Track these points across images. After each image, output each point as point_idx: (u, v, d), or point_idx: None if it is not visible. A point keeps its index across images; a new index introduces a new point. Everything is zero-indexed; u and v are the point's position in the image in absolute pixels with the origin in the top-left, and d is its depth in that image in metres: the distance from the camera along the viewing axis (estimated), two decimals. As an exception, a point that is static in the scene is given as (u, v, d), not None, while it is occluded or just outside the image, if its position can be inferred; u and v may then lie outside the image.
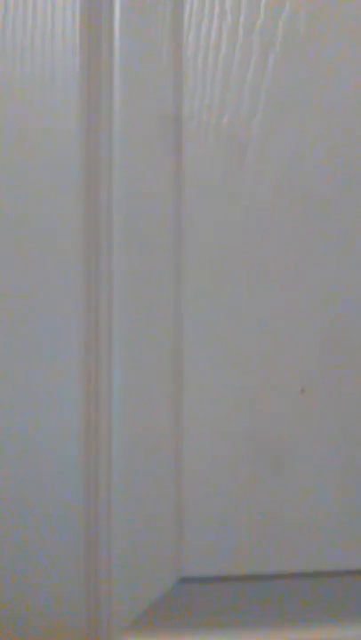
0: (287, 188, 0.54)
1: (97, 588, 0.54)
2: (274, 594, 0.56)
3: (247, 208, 0.54)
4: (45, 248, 0.52)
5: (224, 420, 0.54)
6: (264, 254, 0.54)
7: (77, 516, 0.53)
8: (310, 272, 0.55)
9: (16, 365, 0.52)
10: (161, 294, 0.53)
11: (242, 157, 0.54)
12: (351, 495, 0.55)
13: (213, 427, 0.54)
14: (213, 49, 0.53)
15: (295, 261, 0.55)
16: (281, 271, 0.54)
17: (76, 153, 0.52)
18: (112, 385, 0.53)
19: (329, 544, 0.55)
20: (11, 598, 0.53)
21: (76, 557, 0.53)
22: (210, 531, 0.54)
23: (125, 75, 0.52)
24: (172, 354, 0.54)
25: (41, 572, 0.53)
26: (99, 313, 0.53)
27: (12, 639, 0.53)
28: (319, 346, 0.55)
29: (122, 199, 0.53)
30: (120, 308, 0.53)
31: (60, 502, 0.53)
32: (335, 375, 0.55)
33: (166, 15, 0.52)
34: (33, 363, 0.52)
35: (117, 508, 0.54)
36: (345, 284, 0.55)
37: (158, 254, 0.53)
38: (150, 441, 0.54)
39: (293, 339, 0.55)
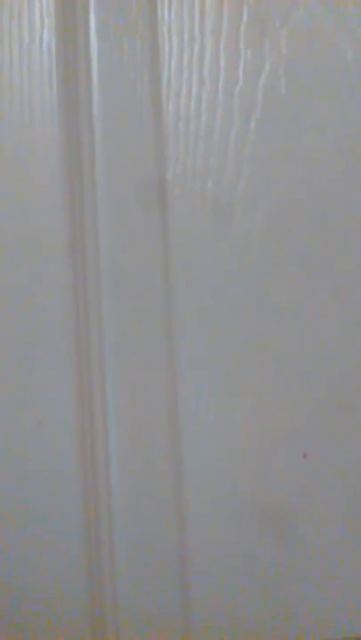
0: (276, 246, 0.53)
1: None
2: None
3: (237, 266, 0.53)
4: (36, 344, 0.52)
5: (226, 489, 0.52)
6: (257, 314, 0.53)
7: (82, 578, 0.52)
8: (307, 334, 0.53)
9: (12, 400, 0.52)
10: (154, 359, 0.53)
11: (229, 217, 0.53)
12: (359, 560, 0.53)
13: (215, 496, 0.53)
14: (194, 116, 0.53)
15: (290, 321, 0.53)
16: (276, 332, 0.53)
17: (62, 223, 0.52)
18: (108, 449, 0.52)
19: (338, 611, 0.52)
20: None
21: (82, 617, 0.52)
22: (215, 599, 0.52)
23: (107, 144, 0.53)
24: (169, 423, 0.53)
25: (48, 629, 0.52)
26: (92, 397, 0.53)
27: None
28: (320, 410, 0.53)
29: (108, 264, 0.53)
30: (113, 369, 0.53)
31: (63, 558, 0.52)
32: (337, 439, 0.53)
33: (144, 83, 0.53)
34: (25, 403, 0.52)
35: (122, 575, 0.52)
36: (344, 347, 0.53)
37: (149, 319, 0.53)
38: (151, 510, 0.52)
39: (293, 403, 0.53)
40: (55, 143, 0.53)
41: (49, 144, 0.53)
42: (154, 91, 0.53)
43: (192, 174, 0.53)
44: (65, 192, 0.53)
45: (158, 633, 0.52)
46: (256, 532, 0.52)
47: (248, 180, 0.53)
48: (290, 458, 0.53)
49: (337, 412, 0.53)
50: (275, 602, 0.53)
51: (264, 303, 0.53)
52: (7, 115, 0.53)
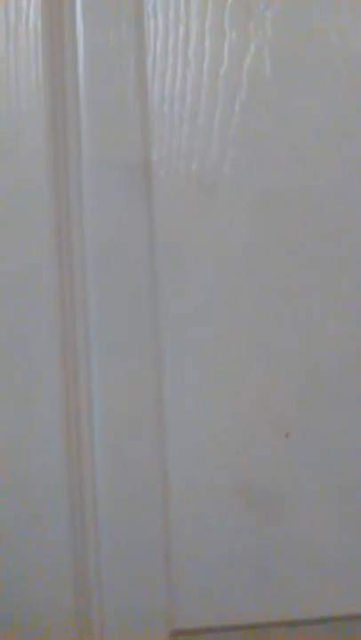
0: (261, 228, 0.54)
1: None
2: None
3: (221, 248, 0.54)
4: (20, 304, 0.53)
5: (210, 470, 0.53)
6: (241, 295, 0.54)
7: (67, 573, 0.52)
8: (290, 315, 0.54)
9: None
10: (139, 341, 0.53)
11: (213, 198, 0.54)
12: (340, 537, 0.54)
13: (200, 479, 0.53)
14: (179, 97, 0.53)
15: (274, 303, 0.54)
16: (260, 314, 0.54)
17: (47, 205, 0.53)
18: (93, 436, 0.53)
19: (323, 590, 0.53)
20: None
21: (67, 614, 0.53)
22: (201, 582, 0.53)
23: (92, 125, 0.53)
24: (153, 404, 0.53)
25: (34, 627, 0.52)
26: (77, 375, 0.53)
27: None
28: (301, 390, 0.54)
29: (94, 246, 0.53)
30: (98, 353, 0.53)
31: (48, 551, 0.52)
32: (318, 418, 0.54)
33: (130, 64, 0.53)
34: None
35: (107, 564, 0.53)
36: (325, 329, 0.54)
37: (134, 301, 0.53)
38: (136, 495, 0.53)
39: (276, 385, 0.54)
40: (41, 124, 0.53)
41: (35, 125, 0.53)
42: (139, 71, 0.53)
43: (177, 155, 0.53)
44: (50, 172, 0.53)
45: (142, 616, 0.53)
46: (240, 513, 0.53)
47: (233, 161, 0.54)
48: (273, 438, 0.53)
49: (318, 393, 0.54)
50: (258, 581, 0.54)
51: (249, 286, 0.54)
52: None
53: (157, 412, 0.53)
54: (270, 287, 0.54)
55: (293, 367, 0.54)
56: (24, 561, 0.52)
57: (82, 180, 0.53)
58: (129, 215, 0.53)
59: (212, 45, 0.53)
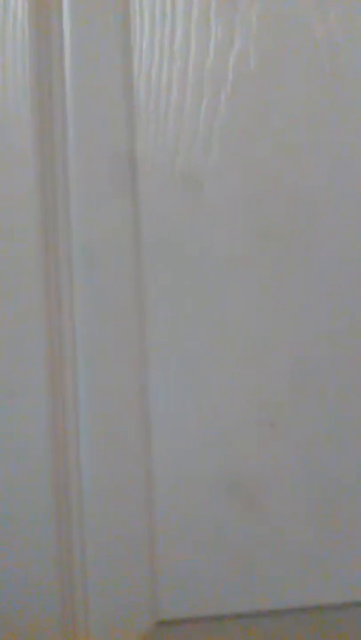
0: (245, 222, 0.54)
1: (75, 635, 0.53)
2: (254, 632, 0.54)
3: (207, 242, 0.54)
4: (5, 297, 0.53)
5: (195, 461, 0.54)
6: (226, 289, 0.54)
7: (52, 563, 0.53)
8: (275, 308, 0.54)
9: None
10: (123, 331, 0.54)
11: (198, 193, 0.54)
12: (323, 528, 0.54)
13: (184, 467, 0.54)
14: (165, 91, 0.54)
15: (259, 297, 0.54)
16: (245, 306, 0.54)
17: (33, 200, 0.53)
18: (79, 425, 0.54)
19: (307, 579, 0.54)
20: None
21: (52, 605, 0.53)
22: (184, 572, 0.54)
23: (78, 119, 0.54)
24: (139, 398, 0.54)
25: (18, 615, 0.53)
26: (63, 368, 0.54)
27: None
28: (286, 380, 0.54)
29: (80, 242, 0.54)
30: (84, 349, 0.54)
31: (33, 542, 0.53)
32: (303, 407, 0.54)
33: (116, 59, 0.54)
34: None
35: (91, 553, 0.53)
36: (310, 320, 0.54)
37: (120, 297, 0.54)
38: (121, 486, 0.53)
39: (261, 374, 0.54)
40: (27, 120, 0.53)
41: (21, 120, 0.53)
42: (125, 67, 0.54)
43: (162, 150, 0.54)
44: (36, 168, 0.53)
45: (127, 607, 0.53)
46: (224, 503, 0.54)
47: (218, 155, 0.54)
48: (258, 428, 0.54)
49: (302, 384, 0.54)
50: (243, 571, 0.54)
51: (233, 280, 0.54)
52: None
53: (142, 404, 0.54)
54: (257, 282, 0.54)
55: (280, 359, 0.54)
56: (7, 552, 0.52)
57: (68, 176, 0.54)
58: (115, 211, 0.54)
59: (197, 40, 0.54)
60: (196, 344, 0.54)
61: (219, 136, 0.54)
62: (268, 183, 0.54)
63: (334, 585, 0.54)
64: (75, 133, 0.54)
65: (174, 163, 0.54)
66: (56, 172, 0.54)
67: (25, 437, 0.52)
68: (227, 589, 0.54)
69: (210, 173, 0.54)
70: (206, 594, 0.54)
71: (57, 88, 0.54)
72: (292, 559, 0.54)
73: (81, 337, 0.53)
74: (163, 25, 0.54)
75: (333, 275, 0.55)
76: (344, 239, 0.55)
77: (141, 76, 0.54)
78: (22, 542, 0.53)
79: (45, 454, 0.53)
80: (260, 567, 0.54)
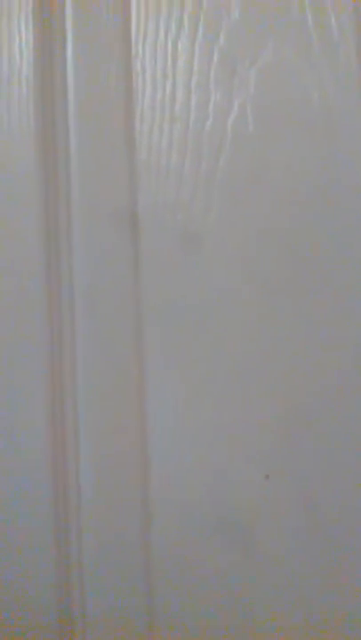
0: (242, 275, 0.56)
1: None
2: None
3: (203, 292, 0.56)
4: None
5: (191, 510, 0.55)
6: (221, 338, 0.56)
7: (50, 572, 0.54)
8: (269, 360, 0.56)
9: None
10: (122, 371, 0.55)
11: (198, 249, 0.56)
12: (318, 577, 0.55)
13: (181, 516, 0.55)
14: (166, 150, 0.56)
15: (254, 348, 0.56)
16: (240, 357, 0.56)
17: (36, 248, 0.55)
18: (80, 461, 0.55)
19: (291, 617, 0.55)
20: None
21: (50, 613, 0.54)
22: (177, 601, 0.55)
23: (82, 175, 0.55)
24: (137, 438, 0.55)
25: (16, 618, 0.54)
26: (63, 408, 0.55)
27: None
28: (280, 433, 0.55)
29: (83, 292, 0.55)
30: (84, 398, 0.55)
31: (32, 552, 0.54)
32: (297, 459, 0.55)
33: (119, 120, 0.55)
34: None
35: (89, 567, 0.55)
36: (303, 372, 0.56)
37: (120, 341, 0.55)
38: (120, 538, 0.54)
39: (255, 427, 0.55)
40: (32, 172, 0.55)
41: (26, 172, 0.55)
42: (127, 126, 0.55)
43: (163, 206, 0.55)
44: (40, 220, 0.55)
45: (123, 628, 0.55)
46: (217, 542, 0.55)
47: (217, 213, 0.56)
48: (252, 477, 0.55)
49: (296, 434, 0.55)
50: (232, 606, 0.55)
51: (229, 328, 0.56)
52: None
53: (141, 442, 0.55)
54: (250, 333, 0.56)
55: (275, 407, 0.55)
56: (5, 558, 0.53)
57: (71, 227, 0.55)
58: (117, 261, 0.55)
59: (197, 102, 0.56)
60: (190, 389, 0.55)
61: (218, 194, 0.56)
62: (266, 240, 0.56)
63: (333, 629, 0.55)
64: (78, 188, 0.55)
65: (175, 218, 0.55)
66: (60, 225, 0.55)
67: (25, 457, 0.54)
68: (217, 618, 0.55)
69: (209, 229, 0.56)
70: (198, 622, 0.55)
71: (61, 146, 0.55)
72: (281, 597, 0.55)
73: (81, 375, 0.55)
74: (164, 86, 0.56)
75: (332, 319, 0.56)
76: (343, 294, 0.56)
77: (143, 134, 0.56)
78: (21, 552, 0.54)
79: (45, 473, 0.54)
80: (250, 603, 0.55)
